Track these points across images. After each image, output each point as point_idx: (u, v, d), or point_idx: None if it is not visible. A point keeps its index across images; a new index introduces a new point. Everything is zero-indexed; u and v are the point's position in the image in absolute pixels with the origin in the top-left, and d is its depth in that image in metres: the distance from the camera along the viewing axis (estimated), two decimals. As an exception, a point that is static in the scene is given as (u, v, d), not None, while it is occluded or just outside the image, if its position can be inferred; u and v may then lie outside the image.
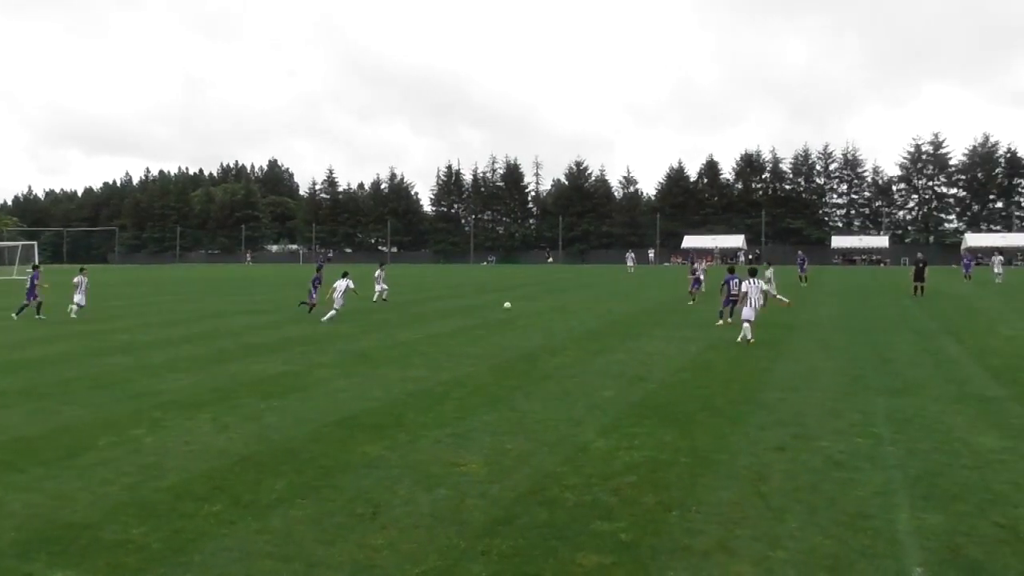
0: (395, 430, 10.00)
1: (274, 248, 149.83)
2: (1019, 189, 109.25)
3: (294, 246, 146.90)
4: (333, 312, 23.86)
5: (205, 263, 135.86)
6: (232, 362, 16.20)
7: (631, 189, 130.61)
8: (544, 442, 9.31)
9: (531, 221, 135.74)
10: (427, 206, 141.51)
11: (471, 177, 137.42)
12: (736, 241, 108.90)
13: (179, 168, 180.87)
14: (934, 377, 13.81)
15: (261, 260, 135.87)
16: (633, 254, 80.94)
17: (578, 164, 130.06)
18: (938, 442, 9.24)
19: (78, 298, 26.86)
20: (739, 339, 18.17)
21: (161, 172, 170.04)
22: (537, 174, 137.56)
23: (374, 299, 31.81)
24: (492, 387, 13.06)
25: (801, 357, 16.18)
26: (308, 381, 13.82)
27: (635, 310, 28.11)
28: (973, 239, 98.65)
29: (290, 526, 6.58)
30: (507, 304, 16.51)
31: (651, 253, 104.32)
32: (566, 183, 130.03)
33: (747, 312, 18.25)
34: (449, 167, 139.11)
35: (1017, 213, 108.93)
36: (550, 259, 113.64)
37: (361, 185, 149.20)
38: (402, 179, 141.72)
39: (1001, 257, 48.69)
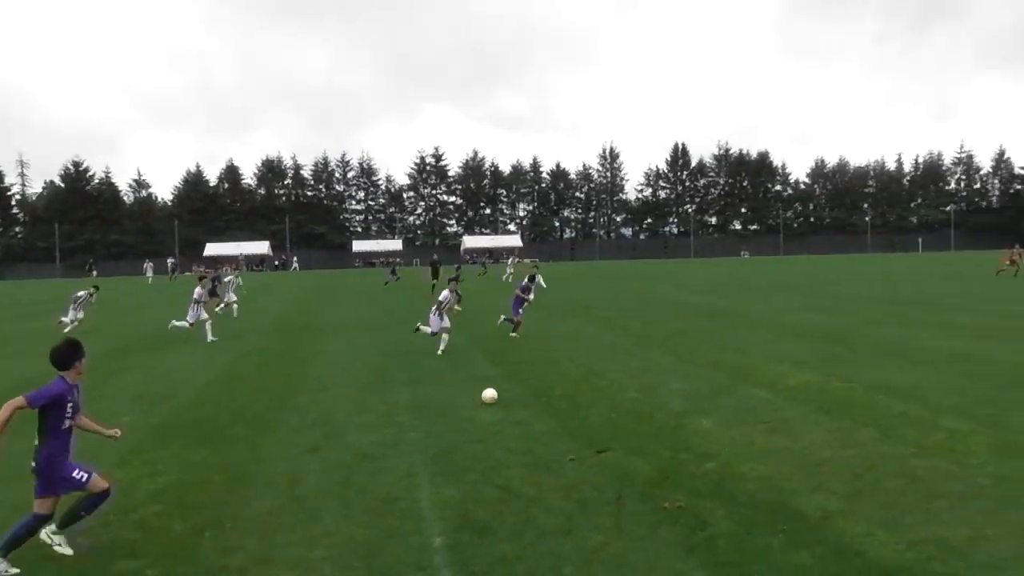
0: None
1: None
2: (502, 198, 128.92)
3: None
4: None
5: None
6: None
7: (144, 194, 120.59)
8: (48, 484, 8.04)
9: (18, 230, 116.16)
10: None
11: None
12: (262, 247, 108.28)
13: None
14: (445, 365, 15.52)
15: None
16: (152, 264, 75.38)
17: (76, 164, 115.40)
18: (451, 422, 10.41)
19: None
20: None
21: None
22: (23, 174, 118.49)
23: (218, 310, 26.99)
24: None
25: (331, 358, 16.75)
26: None
27: (158, 324, 26.01)
28: (470, 241, 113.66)
29: None
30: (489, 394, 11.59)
31: (171, 262, 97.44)
32: (62, 185, 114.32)
33: (434, 321, 16.99)
34: None
35: (501, 219, 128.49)
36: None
37: None
38: None
39: (516, 258, 56.50)
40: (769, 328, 20.33)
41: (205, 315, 20.91)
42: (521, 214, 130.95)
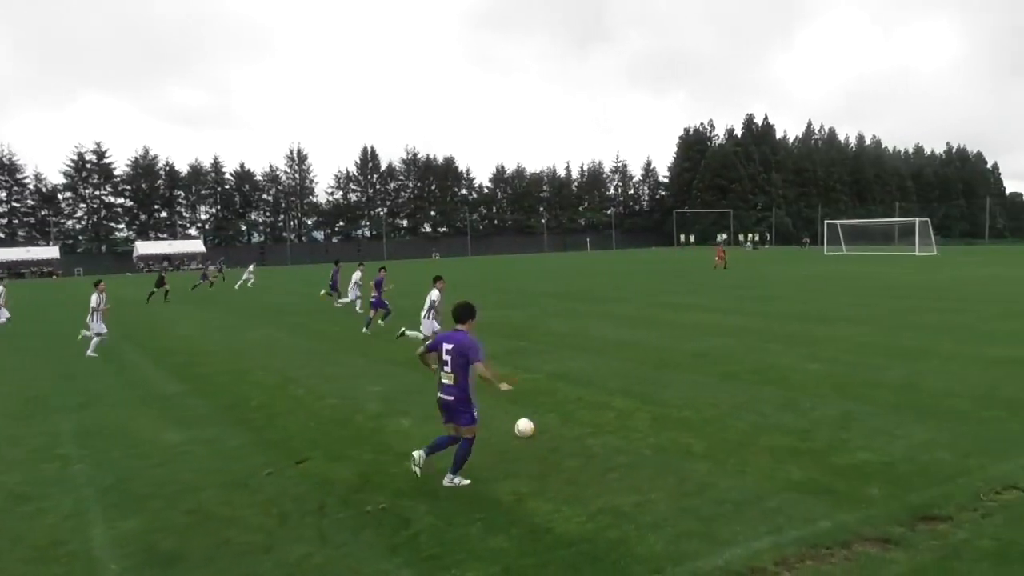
0: None
1: None
2: (180, 200, 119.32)
3: None
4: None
5: None
6: None
7: None
8: None
9: None
10: None
11: None
12: None
13: None
14: (118, 385, 13.95)
15: None
16: None
17: None
18: (128, 448, 9.37)
19: None
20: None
21: None
22: None
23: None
24: None
25: (-32, 387, 14.20)
26: None
27: None
28: (144, 247, 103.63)
29: None
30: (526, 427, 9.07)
31: None
32: None
33: (427, 325, 15.55)
34: None
35: (180, 222, 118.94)
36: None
37: None
38: None
39: (252, 266, 50.78)
40: (460, 326, 21.24)
41: (103, 328, 17.89)
42: (203, 217, 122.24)
